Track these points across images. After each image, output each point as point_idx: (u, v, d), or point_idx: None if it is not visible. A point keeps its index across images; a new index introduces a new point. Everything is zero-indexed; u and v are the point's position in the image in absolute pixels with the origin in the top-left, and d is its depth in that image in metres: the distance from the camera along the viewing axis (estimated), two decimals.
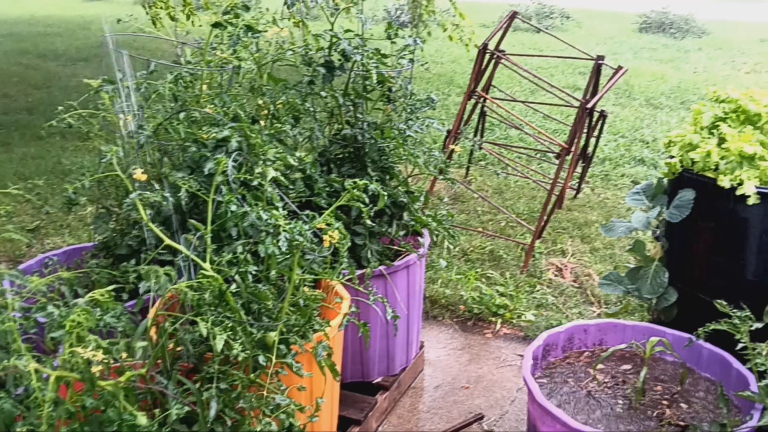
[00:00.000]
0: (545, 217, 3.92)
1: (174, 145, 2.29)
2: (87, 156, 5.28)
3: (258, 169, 2.04)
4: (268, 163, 2.08)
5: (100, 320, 1.51)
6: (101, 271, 2.29)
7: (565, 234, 4.22)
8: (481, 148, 4.89)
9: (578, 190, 4.78)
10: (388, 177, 2.66)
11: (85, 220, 4.19)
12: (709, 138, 2.34)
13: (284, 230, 1.73)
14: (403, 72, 2.69)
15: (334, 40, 2.40)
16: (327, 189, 2.36)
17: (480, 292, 3.45)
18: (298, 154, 2.47)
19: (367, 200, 1.93)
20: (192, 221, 1.86)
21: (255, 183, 1.99)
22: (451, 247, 3.90)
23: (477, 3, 14.64)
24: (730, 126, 2.32)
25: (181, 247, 1.84)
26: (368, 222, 2.01)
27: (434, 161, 2.67)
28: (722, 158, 2.25)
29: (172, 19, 4.90)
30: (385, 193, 1.99)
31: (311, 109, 2.56)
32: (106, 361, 1.44)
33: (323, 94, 2.53)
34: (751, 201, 2.14)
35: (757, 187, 2.15)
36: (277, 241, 1.78)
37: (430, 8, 6.77)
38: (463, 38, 7.16)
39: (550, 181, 3.99)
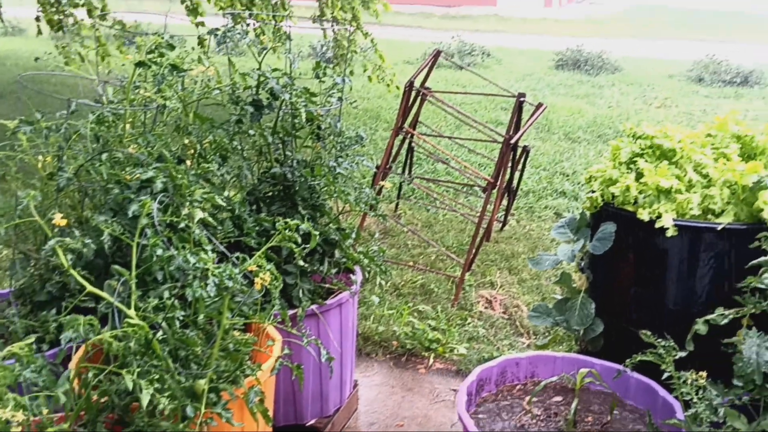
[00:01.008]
0: (474, 250, 3.98)
1: (96, 187, 2.21)
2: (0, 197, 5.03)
3: (185, 211, 1.99)
4: (195, 203, 2.04)
5: (18, 376, 1.42)
6: (19, 320, 2.17)
7: (494, 266, 4.29)
8: (410, 183, 4.95)
9: (504, 223, 4.88)
10: (318, 214, 2.64)
11: (0, 264, 3.98)
12: (627, 173, 2.44)
13: (213, 274, 1.68)
14: (332, 110, 2.70)
15: (262, 79, 2.39)
16: (257, 228, 2.32)
17: (412, 327, 3.45)
18: (226, 193, 2.43)
19: (299, 240, 1.91)
20: (115, 267, 1.80)
21: (182, 225, 1.94)
22: (383, 283, 3.90)
23: (401, 41, 14.96)
24: (646, 161, 2.42)
25: (104, 294, 1.77)
26: (300, 262, 1.99)
27: (365, 197, 2.68)
28: (641, 192, 2.35)
29: (83, 60, 4.80)
30: (317, 232, 1.97)
31: (239, 147, 2.53)
32: (26, 418, 1.35)
33: (251, 132, 2.51)
34: (669, 233, 2.23)
35: (674, 220, 2.25)
36: (205, 284, 1.73)
37: (353, 48, 6.89)
38: (384, 79, 7.31)
39: (478, 214, 4.06)
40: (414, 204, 5.27)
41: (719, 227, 2.21)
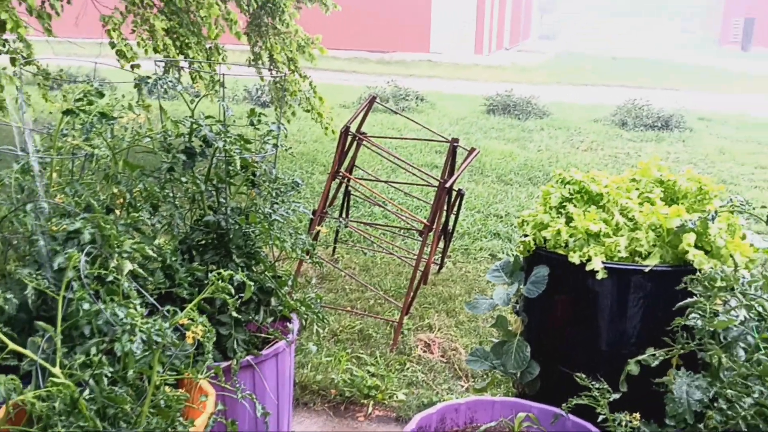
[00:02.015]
0: (412, 293, 3.98)
1: (20, 239, 2.12)
2: None
3: (113, 262, 1.93)
4: (125, 254, 1.98)
5: None
6: None
7: (432, 309, 4.31)
8: (347, 227, 4.95)
9: (441, 265, 4.92)
10: (253, 262, 2.60)
11: None
12: (558, 217, 2.50)
13: (141, 329, 1.63)
14: (267, 156, 2.68)
15: (195, 126, 2.36)
16: (189, 279, 2.27)
17: (351, 374, 3.41)
18: (157, 242, 2.37)
19: (232, 290, 1.87)
20: (39, 322, 1.72)
21: (110, 277, 1.88)
22: (321, 330, 3.85)
23: (337, 85, 15.12)
24: (575, 206, 2.49)
25: (27, 352, 1.68)
26: (234, 314, 1.94)
27: (301, 243, 2.65)
28: (571, 236, 2.41)
29: None
30: (252, 282, 1.94)
31: (171, 195, 2.48)
32: None
33: (184, 180, 2.47)
34: (599, 276, 2.29)
35: (604, 263, 2.31)
36: (134, 339, 1.68)
37: (296, 89, 6.91)
38: (322, 122, 7.36)
39: (415, 257, 4.08)
40: (351, 248, 5.26)
41: (646, 269, 2.28)
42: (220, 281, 1.85)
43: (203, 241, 2.57)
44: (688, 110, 12.36)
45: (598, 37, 38.77)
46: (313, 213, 4.35)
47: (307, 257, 2.69)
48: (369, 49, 24.54)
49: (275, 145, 2.55)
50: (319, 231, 3.40)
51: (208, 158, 2.42)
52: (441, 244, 4.84)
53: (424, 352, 3.80)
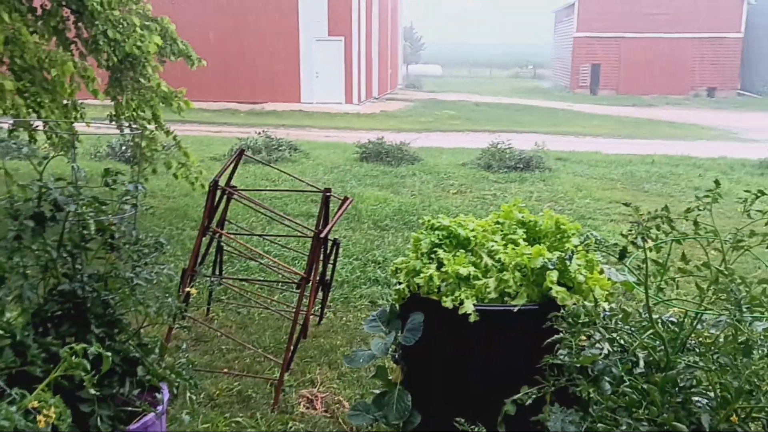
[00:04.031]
0: (292, 348, 3.88)
1: None
2: None
3: None
4: None
5: None
6: None
7: (313, 362, 4.22)
8: (221, 284, 4.79)
9: (321, 317, 4.85)
10: (116, 331, 2.44)
11: None
12: (429, 263, 2.53)
13: None
14: (127, 217, 2.54)
15: (44, 190, 2.21)
16: (42, 355, 2.08)
17: None
18: (7, 316, 2.17)
19: (88, 366, 1.73)
20: None
21: None
22: (195, 396, 3.66)
23: (206, 137, 14.86)
24: (445, 251, 2.53)
25: None
26: (92, 390, 1.80)
27: (167, 308, 2.52)
28: (443, 281, 2.44)
29: None
30: (109, 354, 1.81)
31: (20, 264, 2.29)
32: None
33: (34, 247, 2.29)
34: (472, 318, 2.32)
35: (475, 305, 2.35)
36: None
37: (152, 147, 6.69)
38: (189, 177, 7.15)
39: (294, 311, 3.99)
40: (227, 306, 5.09)
41: (515, 309, 2.34)
42: (74, 357, 1.70)
43: (59, 312, 2.38)
44: (547, 151, 13.13)
45: (460, 85, 40.83)
46: (183, 272, 4.17)
47: (175, 321, 2.56)
48: (239, 100, 24.42)
49: (134, 205, 2.43)
50: (189, 293, 3.25)
51: (59, 223, 2.26)
52: (320, 295, 4.78)
53: (307, 408, 3.70)
